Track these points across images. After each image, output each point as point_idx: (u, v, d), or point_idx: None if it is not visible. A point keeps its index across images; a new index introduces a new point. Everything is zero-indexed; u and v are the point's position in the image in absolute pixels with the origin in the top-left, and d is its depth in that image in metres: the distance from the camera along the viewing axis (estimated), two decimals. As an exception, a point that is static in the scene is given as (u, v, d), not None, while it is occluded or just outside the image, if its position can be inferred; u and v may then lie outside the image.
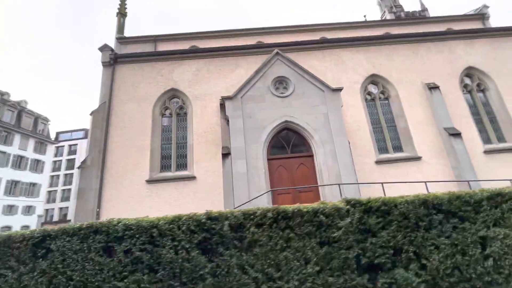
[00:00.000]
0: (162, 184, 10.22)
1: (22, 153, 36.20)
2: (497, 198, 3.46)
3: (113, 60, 11.69)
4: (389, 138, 11.23)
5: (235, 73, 11.66)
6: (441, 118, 10.96)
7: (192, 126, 11.06)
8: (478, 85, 12.28)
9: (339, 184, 8.00)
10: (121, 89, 11.49)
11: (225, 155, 9.70)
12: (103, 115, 11.04)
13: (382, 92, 11.92)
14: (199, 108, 11.23)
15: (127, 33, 17.14)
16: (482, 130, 11.47)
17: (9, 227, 31.77)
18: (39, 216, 37.89)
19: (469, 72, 12.34)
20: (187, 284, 2.99)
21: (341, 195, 7.78)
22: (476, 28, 15.28)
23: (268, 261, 3.12)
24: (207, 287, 2.97)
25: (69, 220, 38.97)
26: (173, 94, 11.72)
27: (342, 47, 12.25)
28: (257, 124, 9.58)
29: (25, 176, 36.30)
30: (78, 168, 10.57)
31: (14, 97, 38.58)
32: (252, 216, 3.30)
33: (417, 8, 30.48)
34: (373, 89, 12.01)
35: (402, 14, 27.77)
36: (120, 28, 17.14)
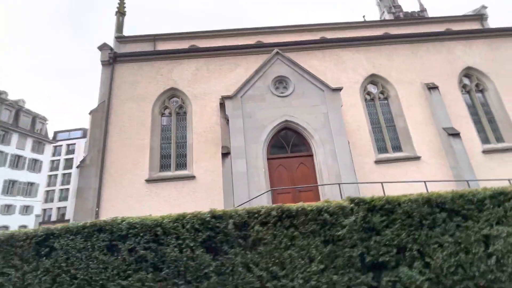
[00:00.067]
0: (161, 183, 10.20)
1: (19, 152, 36.02)
2: (499, 197, 3.49)
3: (113, 59, 11.65)
4: (389, 138, 11.26)
5: (235, 72, 11.66)
6: (440, 118, 11.00)
7: (192, 125, 11.04)
8: (476, 85, 12.34)
9: (339, 184, 8.01)
10: (120, 88, 11.45)
11: (225, 154, 9.68)
12: (102, 115, 10.99)
13: (382, 92, 11.96)
14: (199, 108, 11.21)
15: (126, 32, 17.11)
16: (480, 130, 11.53)
17: (6, 227, 31.59)
18: (37, 216, 37.71)
19: (468, 72, 12.40)
20: (191, 283, 2.99)
21: (341, 195, 7.81)
22: (475, 28, 15.37)
23: (273, 259, 3.14)
24: (211, 286, 2.97)
25: (68, 220, 38.80)
26: (172, 93, 11.69)
27: (342, 47, 12.28)
28: (257, 123, 9.57)
29: (23, 175, 36.12)
30: (77, 167, 10.53)
31: (11, 96, 38.39)
32: (256, 215, 3.31)
33: (416, 8, 30.58)
34: (372, 89, 12.04)
35: (401, 15, 27.86)
36: (119, 27, 17.07)
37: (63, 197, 48.83)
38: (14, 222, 33.14)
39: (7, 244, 3.17)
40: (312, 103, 9.88)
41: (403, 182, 8.26)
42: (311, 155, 9.60)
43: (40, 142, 39.15)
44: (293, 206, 3.39)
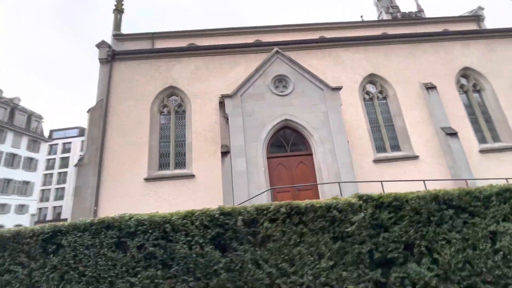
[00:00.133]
0: (160, 182, 10.16)
1: (14, 151, 35.61)
2: (506, 194, 3.54)
3: (111, 57, 11.56)
4: (387, 137, 11.33)
5: (234, 71, 11.63)
6: (438, 117, 11.09)
7: (191, 124, 11.01)
8: (474, 85, 12.46)
9: (339, 182, 8.04)
10: (118, 86, 11.37)
11: (224, 153, 9.67)
12: (100, 113, 10.91)
13: (380, 92, 12.02)
14: (198, 106, 11.18)
15: (123, 31, 16.95)
16: (477, 130, 11.65)
17: (1, 226, 31.25)
18: (32, 215, 37.32)
19: (465, 72, 12.51)
20: (201, 279, 2.98)
21: (340, 194, 7.83)
22: (472, 29, 15.51)
23: (282, 256, 3.15)
24: (221, 283, 2.96)
25: (65, 219, 38.47)
26: (171, 91, 11.64)
27: (341, 47, 12.32)
28: (257, 122, 9.57)
29: (18, 174, 35.72)
30: (75, 166, 10.44)
31: (6, 94, 37.90)
32: (265, 212, 3.31)
33: (413, 9, 30.74)
34: (371, 88, 12.10)
35: (399, 15, 27.95)
36: (117, 25, 16.96)
37: (59, 196, 48.40)
38: (9, 222, 32.75)
39: (14, 241, 3.14)
40: (312, 102, 9.90)
41: (403, 181, 8.31)
42: (311, 154, 9.63)
43: (35, 140, 38.74)
44: (302, 203, 3.40)
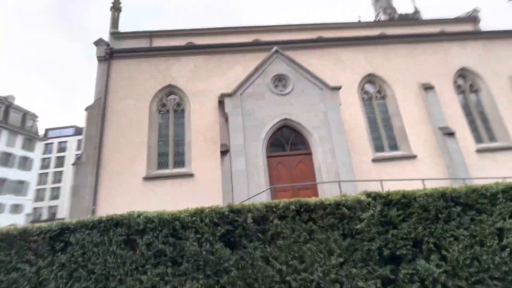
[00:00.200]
0: (159, 181, 10.11)
1: (9, 150, 35.19)
2: (511, 191, 3.60)
3: (109, 55, 11.46)
4: (385, 137, 11.41)
5: (233, 70, 11.61)
6: (436, 117, 11.19)
7: (190, 123, 10.97)
8: (470, 86, 12.60)
9: (339, 182, 8.07)
10: (117, 84, 11.28)
11: (224, 152, 9.66)
12: (98, 111, 10.82)
13: (379, 92, 12.09)
14: (197, 105, 11.14)
15: (120, 29, 16.81)
16: (474, 129, 11.78)
17: (-5, 226, 30.84)
18: (27, 215, 36.94)
19: (463, 73, 12.64)
20: (211, 277, 2.98)
21: (340, 193, 7.85)
22: (469, 30, 15.67)
23: (292, 253, 3.17)
24: (231, 280, 2.97)
25: (62, 219, 38.02)
26: (170, 90, 11.59)
27: (340, 46, 12.36)
28: (257, 121, 9.57)
29: (13, 173, 35.32)
30: (73, 165, 10.35)
31: (1, 92, 37.47)
32: (274, 209, 3.33)
33: (410, 10, 31.00)
34: (370, 88, 12.17)
35: (396, 16, 28.21)
36: (115, 22, 16.80)
37: (55, 195, 47.94)
38: (4, 221, 32.32)
39: (20, 239, 3.12)
40: (312, 102, 9.92)
41: (402, 180, 8.34)
42: (310, 154, 9.65)
43: (30, 139, 38.33)
44: (311, 200, 3.43)
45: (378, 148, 11.19)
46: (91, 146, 10.35)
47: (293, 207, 3.31)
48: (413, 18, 25.42)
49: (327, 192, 8.57)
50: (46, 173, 49.28)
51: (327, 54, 12.23)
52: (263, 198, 8.37)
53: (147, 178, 10.04)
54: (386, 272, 3.13)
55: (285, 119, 9.74)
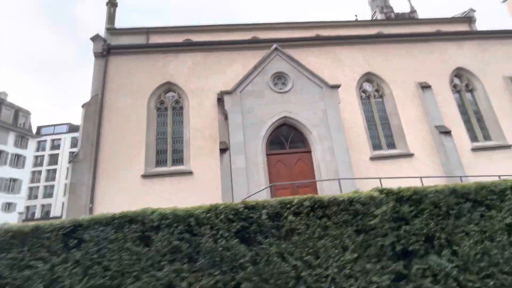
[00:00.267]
0: (158, 179, 10.05)
1: (1, 147, 34.57)
2: None
3: (106, 51, 11.31)
4: (383, 135, 11.51)
5: (232, 68, 11.56)
6: (433, 116, 11.33)
7: (189, 120, 10.91)
8: (466, 85, 12.77)
9: (339, 179, 8.14)
10: (114, 81, 11.15)
11: (223, 150, 9.65)
12: (95, 108, 10.69)
13: (377, 90, 12.18)
14: (196, 103, 11.08)
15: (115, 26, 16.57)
16: (469, 128, 11.96)
17: (-13, 225, 30.32)
18: (20, 213, 36.37)
19: (459, 72, 12.80)
20: (227, 273, 3.00)
21: (340, 191, 7.92)
22: (466, 30, 15.86)
23: (307, 249, 3.21)
24: (247, 276, 2.98)
25: (58, 217, 37.59)
26: (168, 87, 11.50)
27: (339, 45, 12.40)
28: (256, 119, 9.56)
29: (5, 171, 34.71)
30: (70, 162, 10.22)
31: (-8, 89, 36.68)
32: (289, 205, 3.37)
33: (406, 9, 31.23)
34: (368, 87, 12.25)
35: (392, 15, 28.37)
36: (111, 18, 16.56)
37: (48, 193, 47.28)
38: (-4, 220, 31.86)
39: (33, 236, 3.09)
40: (311, 100, 9.95)
41: (400, 178, 8.44)
42: (309, 152, 9.70)
43: (23, 136, 37.69)
44: (325, 196, 3.48)
45: (376, 146, 11.30)
46: (88, 143, 10.23)
47: (307, 203, 3.35)
48: (410, 18, 25.61)
49: (326, 190, 8.63)
50: (39, 171, 48.56)
51: (325, 53, 12.26)
52: (263, 196, 8.40)
53: (145, 176, 9.97)
54: (399, 267, 3.19)
55: (285, 117, 9.76)
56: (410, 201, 3.46)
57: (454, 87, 12.62)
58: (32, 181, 45.44)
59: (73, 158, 10.10)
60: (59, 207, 44.19)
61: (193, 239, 3.14)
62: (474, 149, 11.35)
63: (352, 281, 3.12)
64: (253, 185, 8.74)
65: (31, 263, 2.98)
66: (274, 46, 10.58)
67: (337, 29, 16.58)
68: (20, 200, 36.87)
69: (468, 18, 18.06)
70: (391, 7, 29.39)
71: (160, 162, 10.61)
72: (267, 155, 9.52)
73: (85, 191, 9.71)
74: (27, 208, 43.65)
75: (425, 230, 3.33)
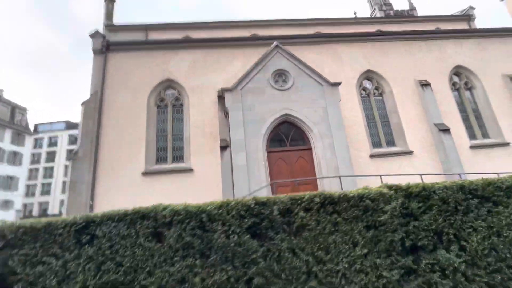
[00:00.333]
0: (158, 176, 10.04)
1: (-2, 144, 34.31)
2: None
3: (105, 47, 11.21)
4: (383, 133, 11.56)
5: (232, 65, 11.51)
6: (432, 114, 11.39)
7: (189, 118, 10.88)
8: (465, 83, 12.83)
9: (339, 176, 8.17)
10: (114, 78, 11.07)
11: (224, 147, 9.64)
12: (95, 105, 10.62)
13: (377, 88, 12.20)
14: (196, 100, 11.04)
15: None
16: (468, 126, 12.04)
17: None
18: (17, 211, 36.21)
19: (458, 70, 12.85)
20: (239, 268, 3.04)
21: (341, 188, 7.96)
22: (465, 28, 15.91)
23: (318, 244, 3.26)
24: (259, 271, 3.02)
25: (57, 214, 37.48)
26: (168, 84, 11.44)
27: (339, 42, 12.39)
28: (257, 116, 9.56)
29: (2, 169, 34.48)
30: (70, 160, 10.17)
31: (-12, 85, 36.32)
32: (299, 201, 3.42)
33: (406, 7, 31.22)
34: (368, 84, 12.27)
35: (392, 13, 28.39)
36: (109, 14, 16.39)
37: (45, 191, 47.03)
38: (-7, 218, 31.69)
39: (45, 232, 3.11)
40: (312, 97, 9.96)
41: (401, 175, 8.49)
42: (310, 149, 9.72)
43: (20, 134, 37.41)
44: (335, 193, 3.53)
45: (376, 144, 11.35)
46: (88, 141, 10.18)
47: (317, 199, 3.40)
48: (409, 15, 25.64)
49: (327, 187, 8.67)
50: (37, 169, 48.25)
51: (325, 50, 12.24)
52: (264, 193, 8.43)
53: (145, 173, 9.95)
54: (408, 262, 3.25)
55: (286, 114, 9.76)
56: (419, 197, 3.52)
57: (453, 85, 12.68)
58: (29, 178, 45.16)
59: (73, 155, 10.05)
60: (57, 204, 44.03)
61: (205, 235, 3.17)
62: (473, 147, 11.44)
63: (362, 276, 3.17)
64: (254, 182, 8.75)
65: (44, 259, 3.00)
66: (275, 43, 10.55)
67: (337, 26, 16.58)
68: (17, 198, 36.69)
69: (467, 16, 18.12)
70: (390, 4, 29.41)
71: (160, 159, 10.59)
72: (268, 152, 9.52)
73: (85, 188, 9.68)
74: (25, 205, 43.44)
75: (434, 226, 3.39)
